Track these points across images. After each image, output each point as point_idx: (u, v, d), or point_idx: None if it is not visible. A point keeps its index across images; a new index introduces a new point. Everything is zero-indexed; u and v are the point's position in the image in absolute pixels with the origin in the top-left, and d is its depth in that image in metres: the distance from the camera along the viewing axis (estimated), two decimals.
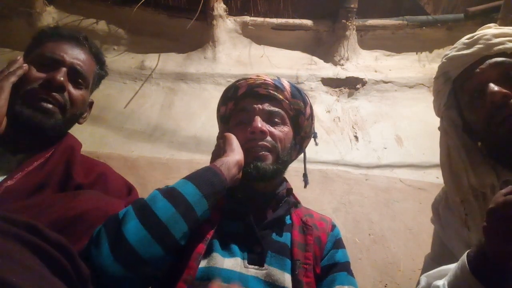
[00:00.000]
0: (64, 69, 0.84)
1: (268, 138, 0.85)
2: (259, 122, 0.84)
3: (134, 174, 1.66)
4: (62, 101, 0.83)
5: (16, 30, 2.16)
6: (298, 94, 0.93)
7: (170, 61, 2.24)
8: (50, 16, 2.22)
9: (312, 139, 1.04)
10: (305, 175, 1.02)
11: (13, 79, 0.78)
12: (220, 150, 0.83)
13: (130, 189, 0.91)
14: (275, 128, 0.87)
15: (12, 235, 0.45)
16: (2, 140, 0.77)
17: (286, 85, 0.93)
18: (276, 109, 0.89)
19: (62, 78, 0.82)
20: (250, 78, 0.92)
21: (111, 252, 0.58)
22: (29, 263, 0.43)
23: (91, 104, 0.99)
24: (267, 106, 0.88)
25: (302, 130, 0.95)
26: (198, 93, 2.10)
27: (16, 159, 0.79)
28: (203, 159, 1.74)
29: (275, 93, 0.90)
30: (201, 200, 0.68)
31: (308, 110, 0.95)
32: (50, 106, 0.81)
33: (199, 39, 2.30)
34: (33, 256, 0.44)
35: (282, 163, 0.87)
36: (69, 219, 0.64)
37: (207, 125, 1.94)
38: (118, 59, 2.20)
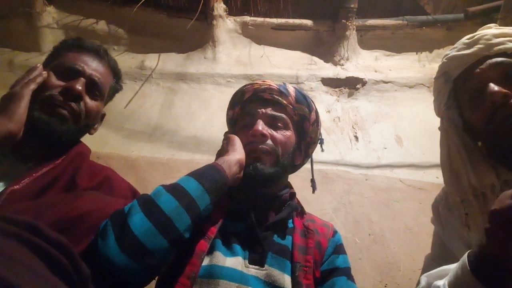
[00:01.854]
0: (83, 80, 0.87)
1: (269, 141, 0.87)
2: (261, 126, 0.87)
3: (134, 174, 1.66)
4: (77, 110, 0.86)
5: (16, 30, 2.16)
6: (303, 100, 0.95)
7: (170, 61, 2.24)
8: (50, 16, 2.22)
9: (318, 145, 1.05)
10: (312, 181, 1.04)
11: (33, 86, 0.80)
12: (223, 150, 0.86)
13: (134, 193, 0.92)
14: (277, 132, 0.89)
15: (12, 234, 0.45)
16: (15, 148, 0.79)
17: (291, 90, 0.95)
18: (279, 114, 0.91)
19: (80, 88, 0.85)
20: (256, 83, 0.95)
21: (117, 243, 0.59)
22: (29, 262, 0.43)
23: (103, 116, 1.01)
24: (270, 111, 0.91)
25: (308, 135, 0.97)
26: (198, 93, 2.11)
27: (27, 167, 0.80)
28: (203, 159, 1.74)
29: (279, 98, 0.92)
30: (203, 195, 0.70)
31: (313, 116, 0.97)
32: (65, 112, 0.83)
33: (199, 39, 2.30)
34: (33, 256, 0.44)
35: (282, 166, 0.88)
36: (71, 220, 0.64)
37: (207, 125, 1.94)
38: (118, 59, 2.16)
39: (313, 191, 1.03)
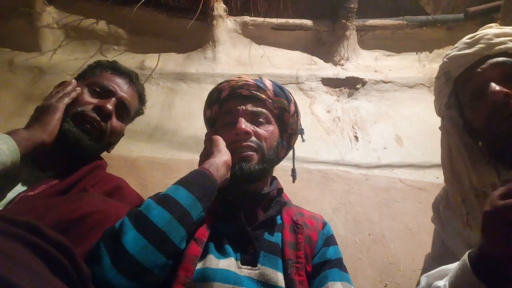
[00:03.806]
0: (114, 100, 0.92)
1: (253, 138, 0.86)
2: (243, 123, 0.86)
3: (134, 174, 1.66)
4: (104, 128, 0.90)
5: (16, 30, 2.16)
6: (281, 92, 0.94)
7: (170, 61, 2.24)
8: (50, 16, 2.22)
9: (300, 136, 1.04)
10: (293, 171, 1.03)
11: (67, 100, 0.85)
12: (207, 152, 0.85)
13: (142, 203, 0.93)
14: (259, 128, 0.89)
15: (13, 235, 0.44)
16: (37, 157, 0.81)
17: (268, 84, 0.94)
18: (260, 109, 0.90)
19: (111, 108, 0.90)
20: (232, 80, 0.94)
21: (113, 265, 0.58)
22: (29, 262, 0.43)
23: (122, 136, 1.04)
24: (250, 107, 0.90)
25: (288, 127, 0.97)
26: (198, 93, 2.10)
27: (45, 176, 0.82)
28: None
29: (258, 93, 0.91)
30: (195, 203, 0.69)
31: (292, 107, 0.96)
32: (93, 130, 0.89)
33: (199, 39, 2.30)
34: (33, 256, 0.44)
35: (268, 162, 0.88)
36: (73, 221, 0.64)
37: None
38: (118, 59, 2.18)
39: (293, 181, 1.02)
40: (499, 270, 0.54)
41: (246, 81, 0.92)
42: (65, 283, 0.46)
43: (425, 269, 0.91)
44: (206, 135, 0.96)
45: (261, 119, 0.90)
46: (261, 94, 0.91)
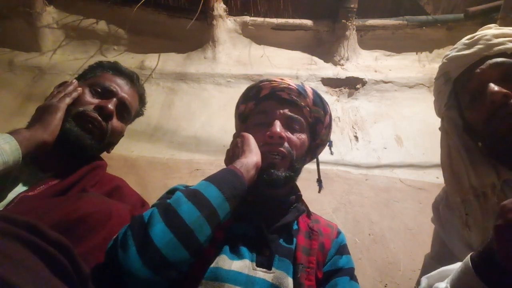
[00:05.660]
0: (115, 100, 0.93)
1: (285, 144, 0.84)
2: (278, 127, 0.84)
3: (134, 174, 1.66)
4: (105, 128, 0.90)
5: (16, 30, 2.16)
6: (319, 102, 0.93)
7: (170, 61, 2.24)
8: (50, 16, 2.22)
9: (327, 147, 1.03)
10: (319, 181, 1.03)
11: (68, 100, 0.86)
12: (238, 149, 0.83)
13: (143, 204, 0.94)
14: (293, 135, 0.87)
15: (12, 235, 0.45)
16: (37, 157, 0.81)
17: (309, 91, 0.92)
18: (296, 116, 0.89)
19: (112, 108, 0.91)
20: (274, 81, 0.92)
21: (139, 256, 0.58)
22: (29, 263, 0.43)
23: (122, 136, 1.05)
24: (288, 112, 0.88)
25: (319, 137, 0.95)
26: (198, 93, 2.11)
27: (45, 176, 0.83)
28: (203, 159, 1.74)
29: (298, 99, 0.89)
30: (223, 203, 0.68)
31: (327, 119, 0.95)
32: (95, 129, 0.89)
33: (199, 39, 2.30)
34: (33, 256, 0.44)
35: (295, 170, 0.86)
36: (72, 221, 0.64)
37: (207, 125, 1.94)
38: (118, 59, 2.19)
39: (319, 191, 1.02)
40: (503, 273, 0.53)
41: (288, 84, 0.90)
42: (65, 283, 0.46)
43: (425, 269, 0.91)
44: (237, 131, 0.95)
45: (296, 126, 0.88)
46: (301, 101, 0.89)
